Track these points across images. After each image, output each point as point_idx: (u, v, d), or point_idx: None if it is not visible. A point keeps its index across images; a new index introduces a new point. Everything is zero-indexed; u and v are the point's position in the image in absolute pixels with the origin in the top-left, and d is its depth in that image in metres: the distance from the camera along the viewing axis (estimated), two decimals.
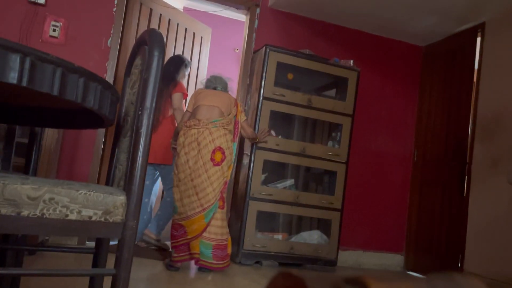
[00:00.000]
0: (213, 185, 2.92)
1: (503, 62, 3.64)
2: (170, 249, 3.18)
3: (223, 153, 2.96)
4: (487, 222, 3.51)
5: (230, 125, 3.08)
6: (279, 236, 3.69)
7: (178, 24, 4.17)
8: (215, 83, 3.22)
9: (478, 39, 3.93)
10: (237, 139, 3.18)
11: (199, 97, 3.11)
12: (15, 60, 0.97)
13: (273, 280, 0.37)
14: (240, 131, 3.23)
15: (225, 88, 3.24)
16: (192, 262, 3.08)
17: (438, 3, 3.65)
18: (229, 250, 3.03)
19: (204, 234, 2.91)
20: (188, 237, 2.91)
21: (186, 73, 3.80)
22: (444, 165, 4.09)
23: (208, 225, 2.92)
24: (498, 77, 3.66)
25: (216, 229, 2.94)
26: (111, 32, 3.64)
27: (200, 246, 2.91)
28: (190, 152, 2.94)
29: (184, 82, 3.88)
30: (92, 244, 3.32)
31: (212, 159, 2.92)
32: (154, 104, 1.28)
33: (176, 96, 3.51)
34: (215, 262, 2.93)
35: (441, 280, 0.29)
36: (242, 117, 3.21)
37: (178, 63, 3.71)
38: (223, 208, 3.01)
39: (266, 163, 3.61)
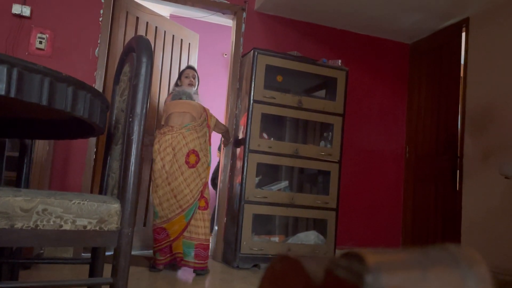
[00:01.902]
0: (190, 187, 3.05)
1: (489, 56, 3.69)
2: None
3: (197, 155, 3.12)
4: (481, 215, 3.55)
5: (203, 128, 3.24)
6: (275, 239, 3.69)
7: (165, 31, 4.17)
8: (179, 95, 3.40)
9: (463, 34, 3.98)
10: (210, 142, 3.35)
11: (170, 107, 3.30)
12: (2, 71, 0.97)
13: (271, 265, 0.37)
14: (215, 131, 3.45)
15: (189, 98, 3.40)
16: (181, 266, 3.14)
17: (422, 0, 3.69)
18: (209, 251, 3.15)
19: (185, 233, 3.04)
20: (171, 238, 3.04)
21: (182, 79, 3.74)
22: (436, 160, 4.12)
23: (188, 224, 3.04)
24: (485, 71, 3.71)
25: (196, 229, 3.05)
26: (98, 41, 3.63)
27: (182, 246, 3.04)
28: (165, 157, 3.09)
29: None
30: (87, 255, 3.29)
31: (186, 162, 3.07)
32: (144, 111, 1.28)
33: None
34: (197, 261, 3.04)
35: (436, 250, 0.30)
36: (213, 119, 3.39)
37: None
38: (205, 210, 3.11)
39: (260, 166, 3.61)
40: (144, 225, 3.90)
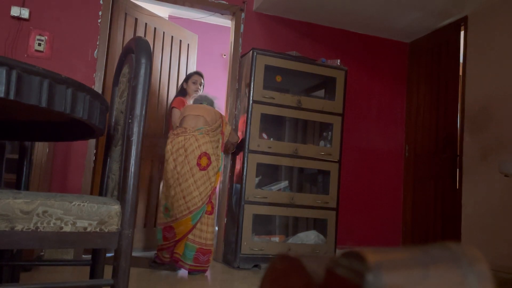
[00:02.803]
0: (200, 189, 3.09)
1: (487, 54, 3.69)
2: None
3: (209, 158, 3.16)
4: (481, 213, 3.55)
5: (216, 134, 3.28)
6: (276, 239, 3.69)
7: (164, 32, 4.17)
8: (201, 100, 3.47)
9: (462, 33, 3.98)
10: (223, 149, 3.39)
11: (186, 110, 3.36)
12: (1, 73, 0.97)
13: (272, 265, 0.37)
14: (228, 139, 3.45)
15: (210, 104, 3.46)
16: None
17: None
18: (212, 256, 3.18)
19: (189, 236, 3.07)
20: (176, 238, 3.09)
21: (189, 84, 3.79)
22: (435, 158, 4.12)
23: (194, 227, 3.08)
24: (483, 69, 3.71)
25: (201, 233, 3.10)
26: (97, 43, 3.63)
27: (185, 248, 3.07)
28: (178, 158, 3.13)
29: (191, 95, 3.86)
30: (88, 257, 3.29)
31: (198, 164, 3.11)
32: (144, 112, 1.28)
33: (171, 111, 3.65)
34: (193, 264, 3.07)
35: (437, 248, 0.30)
36: (228, 128, 3.42)
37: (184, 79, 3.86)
38: (211, 214, 3.15)
39: (259, 166, 3.61)
40: (145, 226, 3.90)
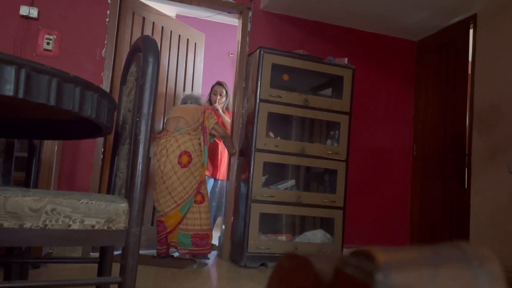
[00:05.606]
0: (184, 184, 3.37)
1: (497, 53, 3.65)
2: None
3: (190, 156, 3.41)
4: (489, 212, 3.52)
5: (197, 130, 3.50)
6: (283, 237, 3.68)
7: (171, 31, 4.18)
8: (186, 99, 3.74)
9: (471, 31, 3.95)
10: (207, 143, 3.59)
11: (170, 112, 3.66)
12: (10, 72, 0.97)
13: (279, 263, 0.37)
14: (213, 133, 3.64)
15: (196, 101, 3.72)
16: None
17: None
18: (210, 240, 3.46)
19: (180, 226, 3.36)
20: (167, 230, 3.38)
21: (212, 95, 4.20)
22: (443, 158, 4.09)
23: (183, 217, 3.36)
24: (493, 68, 3.68)
25: (193, 221, 3.38)
26: (105, 42, 3.65)
27: (178, 236, 3.36)
28: (161, 159, 3.41)
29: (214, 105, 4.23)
30: (96, 255, 3.32)
31: (179, 162, 3.38)
32: (151, 110, 1.28)
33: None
34: (194, 248, 3.36)
35: (447, 248, 0.29)
36: (211, 122, 3.59)
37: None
38: (201, 203, 3.43)
39: (266, 165, 3.61)
40: (152, 224, 3.92)
